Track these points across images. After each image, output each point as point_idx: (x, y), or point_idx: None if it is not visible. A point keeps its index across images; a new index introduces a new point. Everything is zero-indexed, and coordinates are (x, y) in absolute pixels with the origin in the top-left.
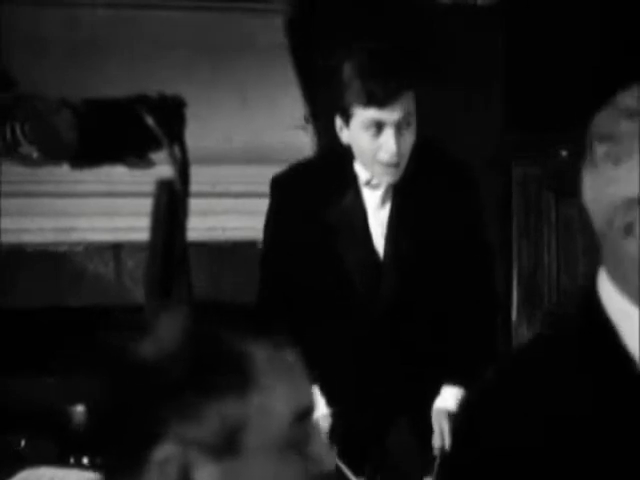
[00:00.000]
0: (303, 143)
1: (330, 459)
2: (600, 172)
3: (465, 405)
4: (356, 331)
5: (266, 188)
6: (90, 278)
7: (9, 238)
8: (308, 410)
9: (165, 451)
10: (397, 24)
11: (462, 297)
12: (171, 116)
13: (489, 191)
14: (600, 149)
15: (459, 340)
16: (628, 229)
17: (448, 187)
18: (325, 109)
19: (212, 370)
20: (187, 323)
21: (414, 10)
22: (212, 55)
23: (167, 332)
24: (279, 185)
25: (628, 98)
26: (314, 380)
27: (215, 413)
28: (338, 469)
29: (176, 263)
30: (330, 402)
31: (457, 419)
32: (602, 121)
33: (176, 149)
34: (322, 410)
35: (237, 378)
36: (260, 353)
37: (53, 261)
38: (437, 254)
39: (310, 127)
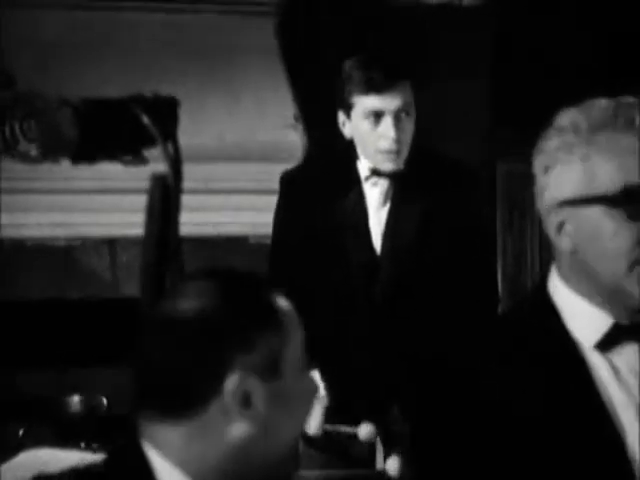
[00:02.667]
0: (293, 141)
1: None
2: (537, 182)
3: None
4: (356, 322)
5: (257, 185)
6: (87, 272)
7: (9, 233)
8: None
9: (234, 380)
10: (386, 26)
11: (462, 294)
12: (165, 115)
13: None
14: (537, 162)
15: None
16: (559, 228)
17: (448, 188)
18: (316, 108)
19: (256, 313)
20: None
21: (401, 11)
22: (205, 57)
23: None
24: (287, 181)
25: (562, 117)
26: (315, 364)
27: (264, 344)
28: (333, 433)
29: (170, 256)
30: (329, 386)
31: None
32: (541, 139)
33: (169, 146)
34: (321, 391)
35: (272, 319)
36: (280, 302)
37: (51, 255)
38: (435, 252)
39: (300, 126)
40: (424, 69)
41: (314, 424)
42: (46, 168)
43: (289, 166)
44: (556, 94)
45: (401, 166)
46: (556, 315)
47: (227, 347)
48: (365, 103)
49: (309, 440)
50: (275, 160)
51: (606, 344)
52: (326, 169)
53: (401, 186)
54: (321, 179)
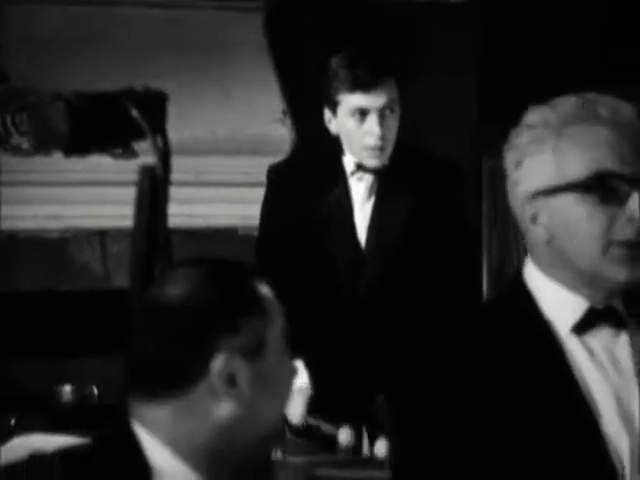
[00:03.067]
0: (281, 135)
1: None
2: (510, 177)
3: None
4: (340, 315)
5: (246, 177)
6: (78, 263)
7: (1, 225)
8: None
9: (220, 361)
10: (373, 23)
11: (446, 289)
12: (154, 108)
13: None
14: (508, 159)
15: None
16: (533, 219)
17: (433, 183)
18: (304, 102)
19: (242, 299)
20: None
21: (389, 8)
22: (197, 52)
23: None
24: (274, 175)
25: (532, 114)
26: (299, 355)
27: (249, 327)
28: (314, 428)
29: (159, 247)
30: (313, 376)
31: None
32: (512, 135)
33: (158, 138)
34: (304, 381)
35: (256, 304)
36: (263, 288)
37: (43, 247)
38: (420, 247)
39: (288, 120)
40: (411, 65)
41: (297, 413)
42: (38, 161)
43: (277, 159)
44: (543, 90)
45: (385, 162)
46: (532, 302)
47: (213, 330)
48: (351, 101)
49: (293, 429)
50: (264, 153)
51: (582, 328)
52: (312, 163)
53: (386, 181)
54: (307, 173)
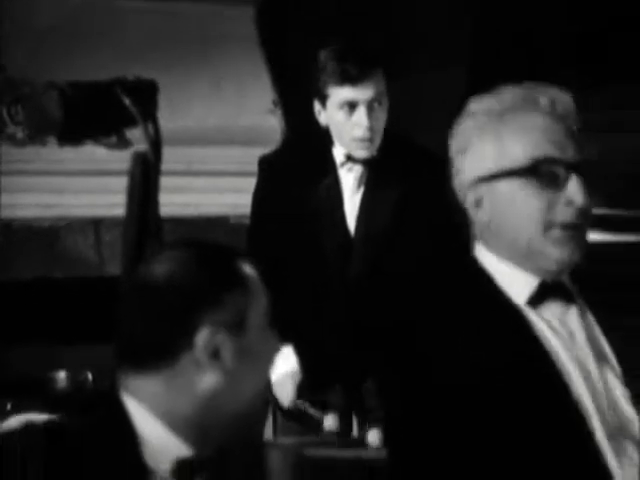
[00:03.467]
0: (272, 126)
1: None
2: (454, 164)
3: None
4: (330, 301)
5: (237, 167)
6: (72, 251)
7: None
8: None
9: (205, 334)
10: (364, 15)
11: (433, 277)
12: (145, 97)
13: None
14: (452, 146)
15: None
16: (478, 203)
17: (421, 174)
18: (294, 94)
19: (225, 276)
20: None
21: (380, 0)
22: (190, 45)
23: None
24: (265, 164)
25: (475, 103)
26: (289, 340)
27: (232, 303)
28: (303, 412)
29: (150, 233)
30: (302, 361)
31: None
32: (455, 124)
33: (149, 126)
34: (294, 366)
35: (239, 282)
36: (246, 267)
37: (38, 235)
38: (408, 236)
39: (278, 111)
40: (401, 59)
41: (287, 397)
42: (33, 151)
43: (268, 150)
44: (535, 83)
45: (374, 153)
46: (488, 278)
47: (198, 305)
48: (339, 94)
49: (283, 411)
50: (255, 143)
51: (536, 300)
52: (303, 154)
53: (375, 172)
54: (298, 164)
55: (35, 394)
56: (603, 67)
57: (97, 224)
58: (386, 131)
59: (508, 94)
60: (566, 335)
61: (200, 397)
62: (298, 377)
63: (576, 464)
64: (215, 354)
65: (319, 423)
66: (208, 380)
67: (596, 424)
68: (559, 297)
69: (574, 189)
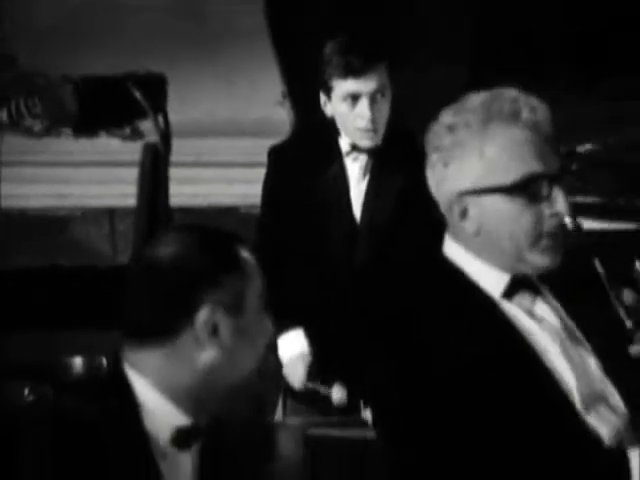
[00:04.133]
0: (281, 118)
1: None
2: (436, 172)
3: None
4: (337, 286)
5: (246, 158)
6: (86, 241)
7: (13, 203)
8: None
9: (205, 313)
10: (369, 8)
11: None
12: (155, 90)
13: None
14: (433, 157)
15: None
16: (463, 214)
17: (423, 163)
18: (302, 86)
19: (224, 258)
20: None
21: None
22: (200, 37)
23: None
24: (274, 155)
25: (446, 116)
26: (299, 323)
27: (230, 284)
28: (313, 391)
29: (161, 222)
30: (312, 344)
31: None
32: (431, 135)
33: (159, 117)
34: (304, 349)
35: (237, 265)
36: (245, 252)
37: (53, 225)
38: (412, 224)
39: (287, 103)
40: (404, 53)
41: (298, 379)
42: (49, 142)
43: (277, 141)
44: (536, 80)
45: (379, 142)
46: (462, 275)
47: (199, 286)
48: (343, 86)
49: (294, 394)
50: (264, 135)
51: (509, 293)
52: (310, 144)
53: (379, 161)
54: (306, 153)
55: (51, 379)
56: (603, 66)
57: (111, 214)
58: (391, 121)
59: (482, 104)
60: (539, 320)
61: (199, 371)
62: (308, 359)
63: (564, 435)
64: (214, 332)
65: (329, 399)
66: (207, 355)
67: (577, 395)
68: (527, 289)
69: (560, 202)
